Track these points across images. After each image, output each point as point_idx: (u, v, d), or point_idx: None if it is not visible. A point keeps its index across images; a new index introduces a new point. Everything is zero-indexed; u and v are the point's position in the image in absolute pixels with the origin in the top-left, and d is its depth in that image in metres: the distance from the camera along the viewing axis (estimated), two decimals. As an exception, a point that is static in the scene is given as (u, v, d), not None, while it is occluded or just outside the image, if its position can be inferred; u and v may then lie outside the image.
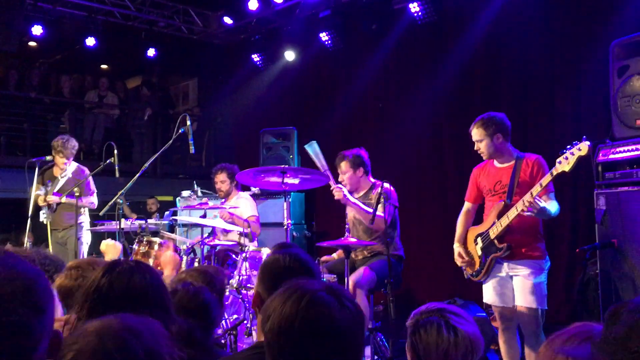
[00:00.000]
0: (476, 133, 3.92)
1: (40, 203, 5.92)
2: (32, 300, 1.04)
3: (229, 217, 5.42)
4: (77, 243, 5.89)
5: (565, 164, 3.53)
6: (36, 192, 5.91)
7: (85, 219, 6.09)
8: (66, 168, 6.12)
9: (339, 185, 4.65)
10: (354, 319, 1.39)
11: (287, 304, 1.38)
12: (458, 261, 4.12)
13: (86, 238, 6.15)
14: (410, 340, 1.88)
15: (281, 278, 2.05)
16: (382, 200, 4.35)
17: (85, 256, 5.87)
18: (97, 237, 6.29)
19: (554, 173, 3.56)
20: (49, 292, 1.10)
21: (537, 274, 3.78)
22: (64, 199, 5.83)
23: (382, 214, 4.46)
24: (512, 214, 3.72)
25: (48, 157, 6.10)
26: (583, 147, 3.50)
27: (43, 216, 6.00)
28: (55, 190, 5.93)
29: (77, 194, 5.44)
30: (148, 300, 1.71)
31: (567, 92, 5.96)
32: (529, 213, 3.61)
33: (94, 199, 6.04)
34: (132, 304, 1.61)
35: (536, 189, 3.59)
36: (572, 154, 3.52)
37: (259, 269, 2.14)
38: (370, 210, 4.44)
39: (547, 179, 3.59)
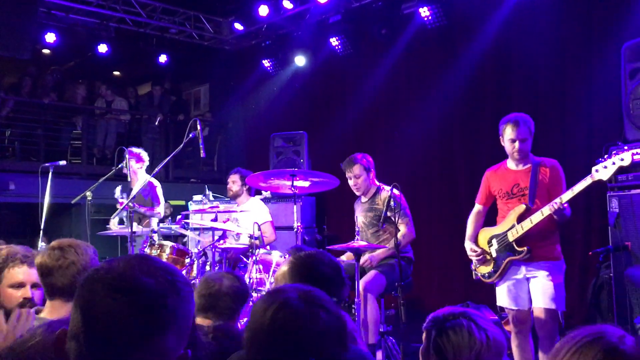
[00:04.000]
0: (523, 132, 3.82)
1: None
2: (174, 282, 1.10)
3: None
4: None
5: (603, 172, 3.48)
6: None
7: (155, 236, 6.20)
8: (140, 177, 6.20)
9: (365, 258, 4.62)
10: (326, 327, 1.39)
11: (260, 306, 1.42)
12: (472, 256, 4.08)
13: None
14: (434, 343, 1.86)
15: (325, 277, 2.04)
16: (391, 205, 4.35)
17: None
18: (122, 242, 6.37)
19: (590, 181, 3.51)
20: (191, 293, 1.14)
21: (556, 275, 3.75)
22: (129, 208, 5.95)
23: (406, 228, 4.54)
24: (536, 218, 3.68)
25: (61, 162, 6.16)
26: (626, 157, 3.44)
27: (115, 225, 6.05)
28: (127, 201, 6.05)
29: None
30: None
31: (579, 95, 5.93)
32: (554, 215, 3.62)
33: (159, 209, 6.17)
34: None
35: (567, 195, 3.56)
36: (614, 163, 3.45)
37: (293, 269, 2.10)
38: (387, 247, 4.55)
39: (581, 186, 3.53)
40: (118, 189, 6.08)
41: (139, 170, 6.22)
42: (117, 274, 1.06)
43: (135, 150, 6.29)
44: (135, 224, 5.04)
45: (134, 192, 6.06)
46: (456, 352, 1.78)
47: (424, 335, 1.98)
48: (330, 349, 1.38)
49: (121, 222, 6.10)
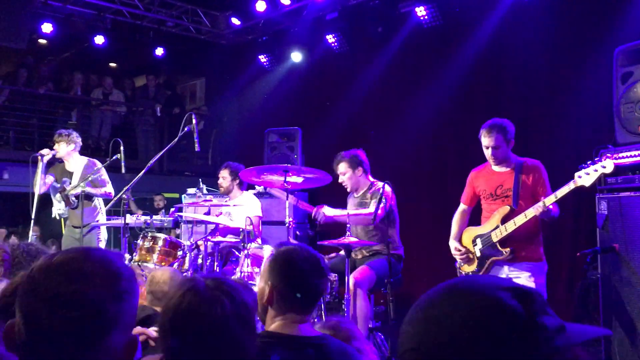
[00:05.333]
0: (496, 139, 3.89)
1: (57, 202, 5.95)
2: (115, 287, 1.10)
3: None
4: (96, 241, 5.93)
5: (586, 179, 3.54)
6: (41, 182, 5.94)
7: (102, 217, 6.12)
8: (77, 159, 6.15)
9: (320, 210, 4.65)
10: (229, 313, 1.48)
11: (173, 292, 1.55)
12: (456, 255, 4.16)
13: (103, 235, 6.19)
14: None
15: (301, 272, 2.06)
16: (383, 201, 4.39)
17: None
18: (115, 234, 6.32)
19: (572, 186, 3.57)
20: (133, 288, 1.15)
21: (538, 276, 3.82)
22: (79, 189, 5.81)
23: (373, 211, 4.50)
24: (520, 220, 3.75)
25: (54, 152, 6.14)
26: (608, 165, 3.50)
27: (57, 211, 6.03)
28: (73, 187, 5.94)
29: (82, 188, 5.50)
30: None
31: (571, 98, 5.98)
32: (539, 216, 3.70)
33: (109, 189, 6.07)
34: None
35: (550, 199, 3.62)
36: (596, 170, 3.51)
37: (273, 264, 2.11)
38: (364, 211, 4.52)
39: (563, 191, 3.58)
40: (50, 177, 5.99)
41: (73, 152, 6.12)
42: (55, 288, 1.06)
43: (65, 132, 6.17)
44: (128, 216, 5.05)
45: (77, 175, 6.00)
46: None
47: None
48: (234, 332, 1.48)
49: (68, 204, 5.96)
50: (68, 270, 1.09)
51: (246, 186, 6.11)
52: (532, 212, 3.66)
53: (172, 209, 6.54)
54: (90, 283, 1.07)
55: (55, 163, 6.24)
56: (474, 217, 4.29)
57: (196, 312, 1.47)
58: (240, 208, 5.61)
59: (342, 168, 4.79)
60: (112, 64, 12.39)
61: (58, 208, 5.98)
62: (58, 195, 5.99)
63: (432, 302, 0.83)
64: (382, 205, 4.37)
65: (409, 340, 0.81)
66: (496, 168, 4.03)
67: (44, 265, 1.11)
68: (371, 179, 4.90)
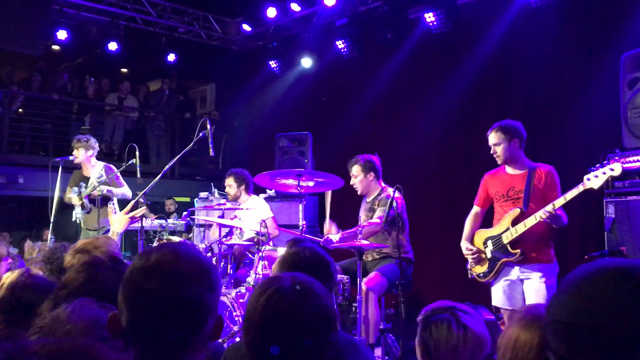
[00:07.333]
0: (495, 137, 4.03)
1: (76, 202, 6.08)
2: (208, 281, 1.28)
3: None
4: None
5: (594, 181, 3.60)
6: (69, 195, 6.10)
7: None
8: (94, 164, 6.30)
9: (329, 237, 4.70)
10: (316, 313, 1.47)
11: (254, 295, 1.49)
12: (468, 255, 4.23)
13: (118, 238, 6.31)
14: (420, 335, 1.97)
15: (301, 271, 2.17)
16: (394, 206, 4.48)
17: None
18: (127, 237, 6.44)
19: (581, 189, 3.64)
20: (219, 277, 1.34)
21: (549, 277, 3.89)
22: (97, 191, 5.92)
23: (380, 217, 4.62)
24: (530, 222, 3.81)
25: (71, 157, 6.29)
26: (616, 168, 3.57)
27: (76, 215, 6.16)
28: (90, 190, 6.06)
29: (99, 192, 5.62)
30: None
31: (578, 103, 6.05)
32: (547, 220, 3.75)
33: (126, 190, 6.21)
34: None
35: (559, 202, 3.69)
36: (604, 173, 3.58)
37: (277, 263, 2.25)
38: (372, 221, 4.66)
39: (572, 194, 3.65)
40: (70, 189, 6.12)
41: (91, 158, 6.26)
42: (157, 287, 1.24)
43: (83, 138, 6.30)
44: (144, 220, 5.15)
45: (94, 179, 6.12)
46: (435, 345, 1.91)
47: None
48: (321, 331, 1.46)
49: (83, 207, 6.04)
50: (168, 271, 1.25)
51: (252, 189, 6.20)
52: (540, 215, 3.74)
53: (185, 213, 6.66)
54: (189, 282, 1.24)
55: (79, 169, 6.41)
56: (487, 221, 4.36)
57: (285, 311, 1.44)
58: (251, 211, 5.71)
59: (355, 171, 4.94)
60: (124, 70, 12.55)
61: (76, 212, 6.12)
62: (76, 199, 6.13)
63: (589, 281, 0.94)
64: (389, 209, 4.46)
65: (561, 312, 0.93)
66: (509, 170, 4.11)
67: (143, 267, 1.26)
68: (382, 184, 5.00)
